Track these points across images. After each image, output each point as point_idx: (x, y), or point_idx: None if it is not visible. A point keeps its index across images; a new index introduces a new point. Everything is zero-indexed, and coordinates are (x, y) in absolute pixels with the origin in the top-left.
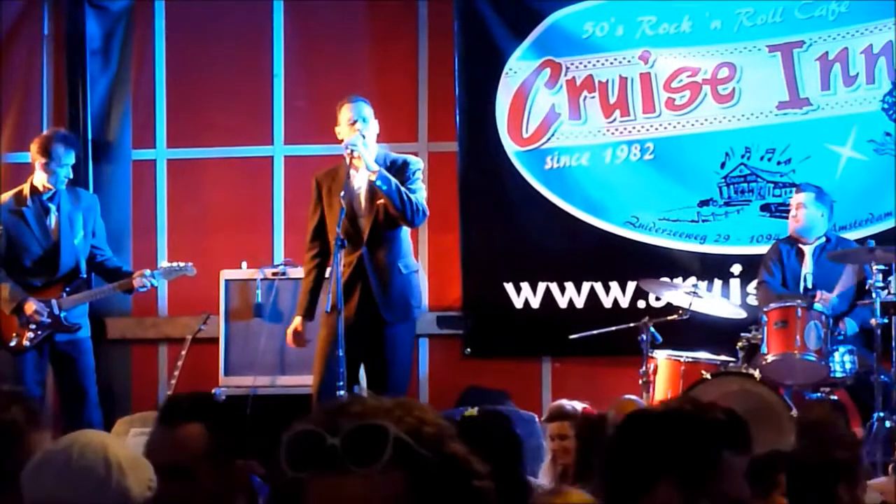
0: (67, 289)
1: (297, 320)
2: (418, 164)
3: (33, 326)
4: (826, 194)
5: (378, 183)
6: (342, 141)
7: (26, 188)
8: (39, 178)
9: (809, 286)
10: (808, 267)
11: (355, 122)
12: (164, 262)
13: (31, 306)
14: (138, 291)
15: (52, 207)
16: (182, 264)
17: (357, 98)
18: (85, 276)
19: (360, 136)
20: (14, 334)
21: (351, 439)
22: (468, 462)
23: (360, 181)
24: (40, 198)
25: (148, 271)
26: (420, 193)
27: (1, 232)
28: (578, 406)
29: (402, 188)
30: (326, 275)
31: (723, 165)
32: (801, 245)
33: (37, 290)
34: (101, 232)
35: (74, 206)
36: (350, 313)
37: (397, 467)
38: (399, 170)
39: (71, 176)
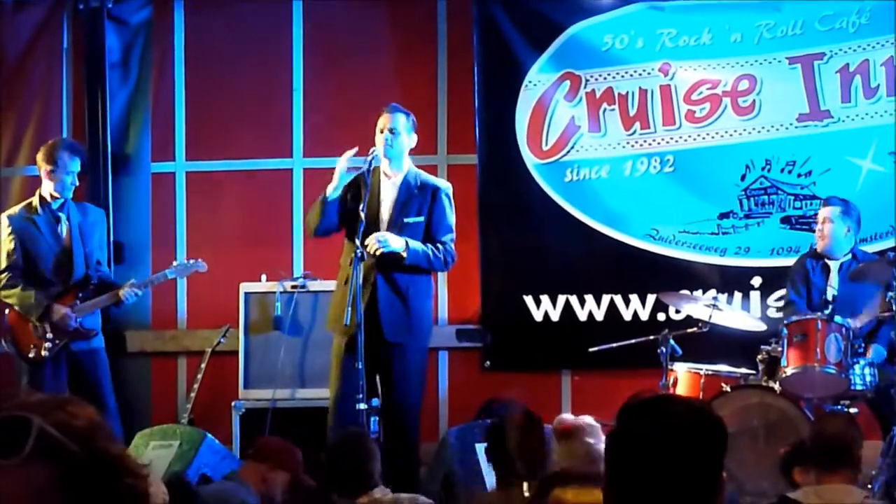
0: (80, 296)
1: None
2: (449, 190)
3: (50, 336)
4: (853, 208)
5: (407, 259)
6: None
7: (35, 199)
8: (47, 188)
9: (830, 299)
10: (833, 283)
11: (383, 131)
12: (176, 261)
13: (59, 310)
14: (125, 303)
15: (63, 216)
16: (194, 261)
17: (395, 109)
18: (96, 283)
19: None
20: (31, 345)
21: None
22: (121, 459)
23: (387, 192)
24: (50, 207)
25: (134, 280)
26: (448, 232)
27: (15, 241)
28: (588, 420)
29: (430, 250)
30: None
31: (743, 178)
32: (827, 261)
33: (52, 299)
34: (104, 246)
35: (83, 219)
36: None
37: (42, 460)
38: (431, 197)
39: (77, 183)
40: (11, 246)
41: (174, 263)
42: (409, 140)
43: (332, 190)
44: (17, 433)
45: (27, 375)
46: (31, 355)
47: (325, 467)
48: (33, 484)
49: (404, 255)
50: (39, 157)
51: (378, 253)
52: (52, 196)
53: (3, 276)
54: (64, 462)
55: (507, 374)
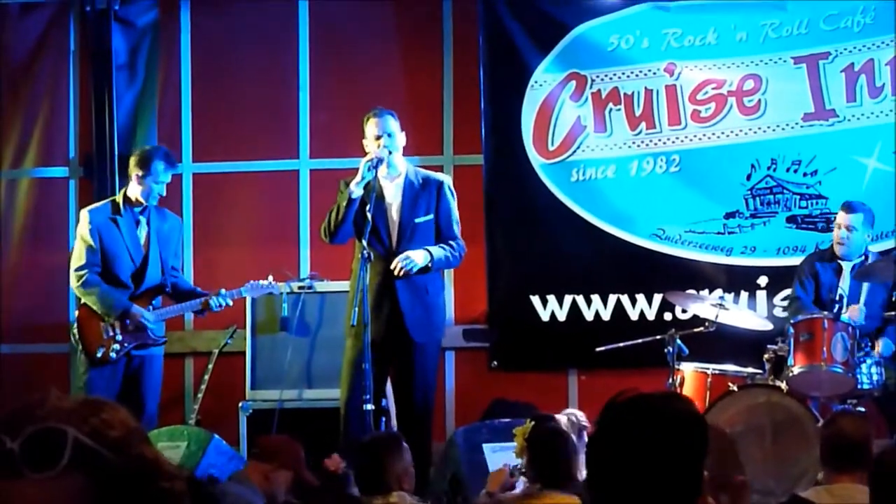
0: (154, 303)
1: None
2: (450, 182)
3: (119, 338)
4: (872, 212)
5: (433, 267)
6: (367, 154)
7: (119, 198)
8: (133, 191)
9: (837, 298)
10: (844, 283)
11: (380, 137)
12: (252, 280)
13: (138, 312)
14: (212, 311)
15: (143, 220)
16: (269, 282)
17: (383, 112)
18: (169, 290)
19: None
20: (99, 346)
21: (29, 444)
22: (157, 463)
23: (392, 194)
24: (132, 210)
25: (223, 291)
26: (457, 227)
27: (95, 239)
28: (582, 417)
29: (447, 252)
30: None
31: (749, 177)
32: (839, 261)
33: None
34: (180, 253)
35: (161, 224)
36: (378, 328)
37: (78, 471)
38: (436, 194)
39: (164, 194)
40: (92, 243)
41: (249, 283)
42: (402, 138)
43: (356, 185)
44: (53, 446)
45: (86, 375)
46: (98, 356)
47: (349, 464)
48: (69, 494)
49: (430, 265)
50: (133, 160)
51: (410, 273)
52: (137, 200)
53: (84, 272)
54: (99, 470)
55: (514, 374)
